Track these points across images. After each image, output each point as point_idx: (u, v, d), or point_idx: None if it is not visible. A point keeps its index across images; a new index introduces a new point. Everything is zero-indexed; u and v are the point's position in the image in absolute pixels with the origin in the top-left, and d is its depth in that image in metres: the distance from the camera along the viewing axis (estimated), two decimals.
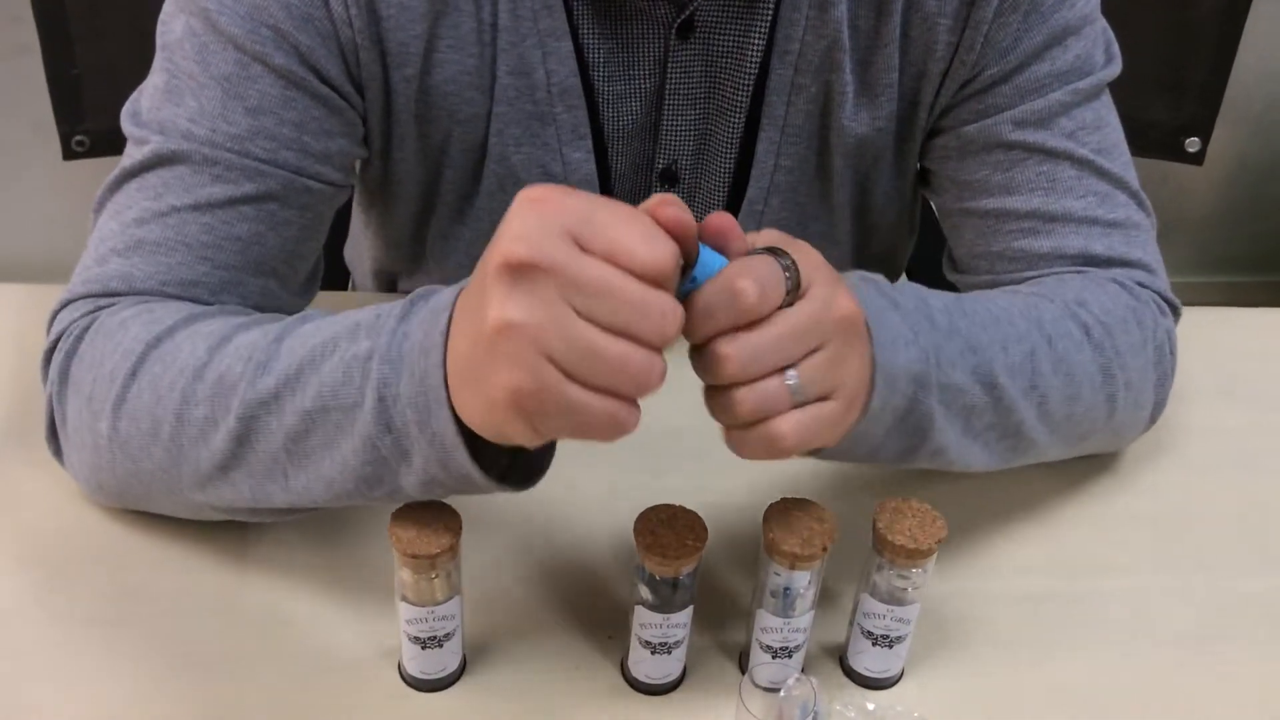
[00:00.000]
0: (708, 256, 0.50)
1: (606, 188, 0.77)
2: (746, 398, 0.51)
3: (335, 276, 1.02)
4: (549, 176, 0.76)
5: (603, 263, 0.46)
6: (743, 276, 0.49)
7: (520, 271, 0.46)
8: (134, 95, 0.69)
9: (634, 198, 0.79)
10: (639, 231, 0.46)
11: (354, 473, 0.55)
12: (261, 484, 0.59)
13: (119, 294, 0.65)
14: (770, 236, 0.54)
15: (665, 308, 0.46)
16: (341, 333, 0.56)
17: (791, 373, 0.51)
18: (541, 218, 0.46)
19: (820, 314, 0.52)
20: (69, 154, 1.15)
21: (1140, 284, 0.75)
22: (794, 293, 0.51)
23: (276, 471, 0.58)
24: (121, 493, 0.65)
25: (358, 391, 0.54)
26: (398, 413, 0.52)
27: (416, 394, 0.51)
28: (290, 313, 0.67)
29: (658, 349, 0.47)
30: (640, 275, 0.46)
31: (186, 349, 0.60)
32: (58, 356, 0.65)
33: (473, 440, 0.52)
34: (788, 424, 0.52)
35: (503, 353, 0.46)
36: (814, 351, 0.52)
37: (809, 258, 0.53)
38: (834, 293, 0.53)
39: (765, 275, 0.50)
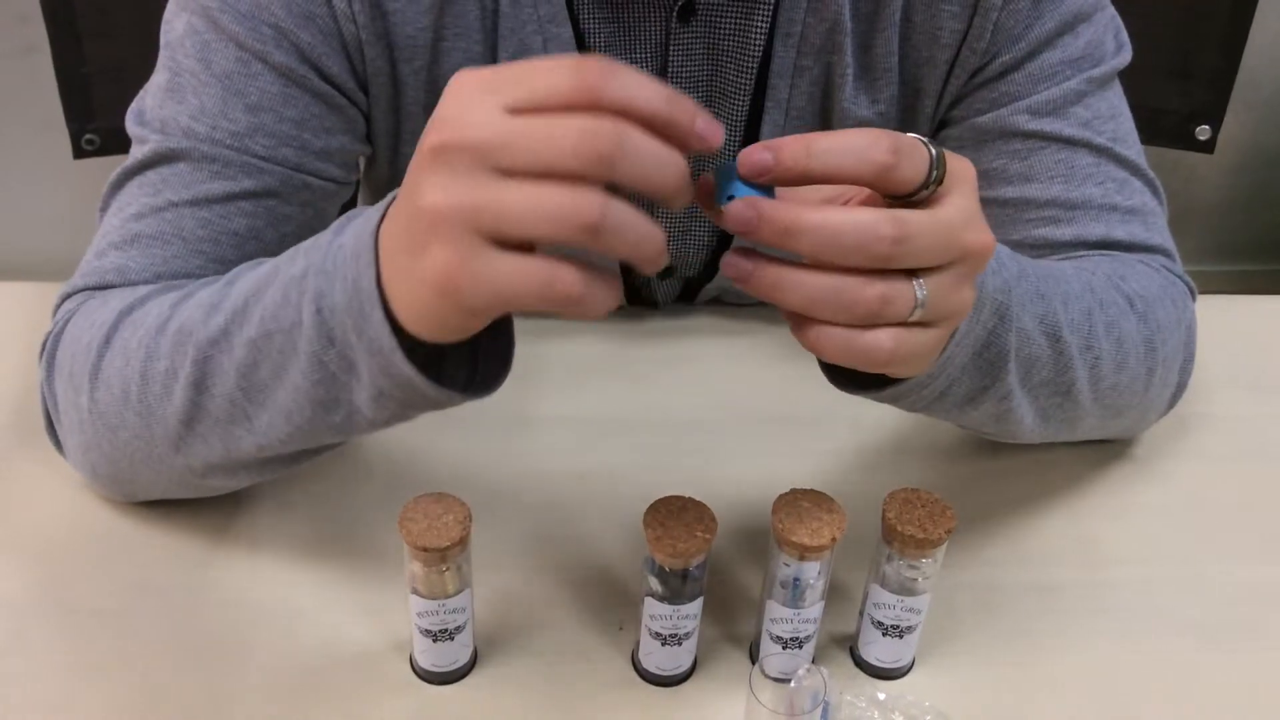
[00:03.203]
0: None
1: None
2: (871, 295, 0.46)
3: None
4: None
5: (511, 114, 0.43)
6: (884, 135, 0.45)
7: (440, 152, 0.44)
8: (139, 95, 0.70)
9: None
10: (549, 65, 0.44)
11: (308, 396, 0.54)
12: (228, 430, 0.58)
13: (114, 286, 0.65)
14: None
15: (585, 125, 0.42)
16: (283, 260, 0.55)
17: (921, 284, 0.47)
18: (467, 93, 0.45)
19: (965, 230, 0.48)
20: (79, 153, 1.15)
21: (1165, 268, 0.75)
22: (933, 186, 0.47)
23: (238, 414, 0.57)
24: (113, 473, 0.66)
25: (295, 310, 0.53)
26: (336, 323, 0.51)
27: (350, 299, 0.50)
28: None
29: (593, 180, 0.43)
30: (554, 106, 0.43)
31: (154, 311, 0.61)
32: (48, 344, 0.66)
33: (423, 352, 0.51)
34: (891, 338, 0.48)
35: (430, 235, 0.44)
36: (942, 268, 0.48)
37: (958, 164, 0.49)
38: (977, 211, 0.49)
39: (908, 144, 0.45)
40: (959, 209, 0.48)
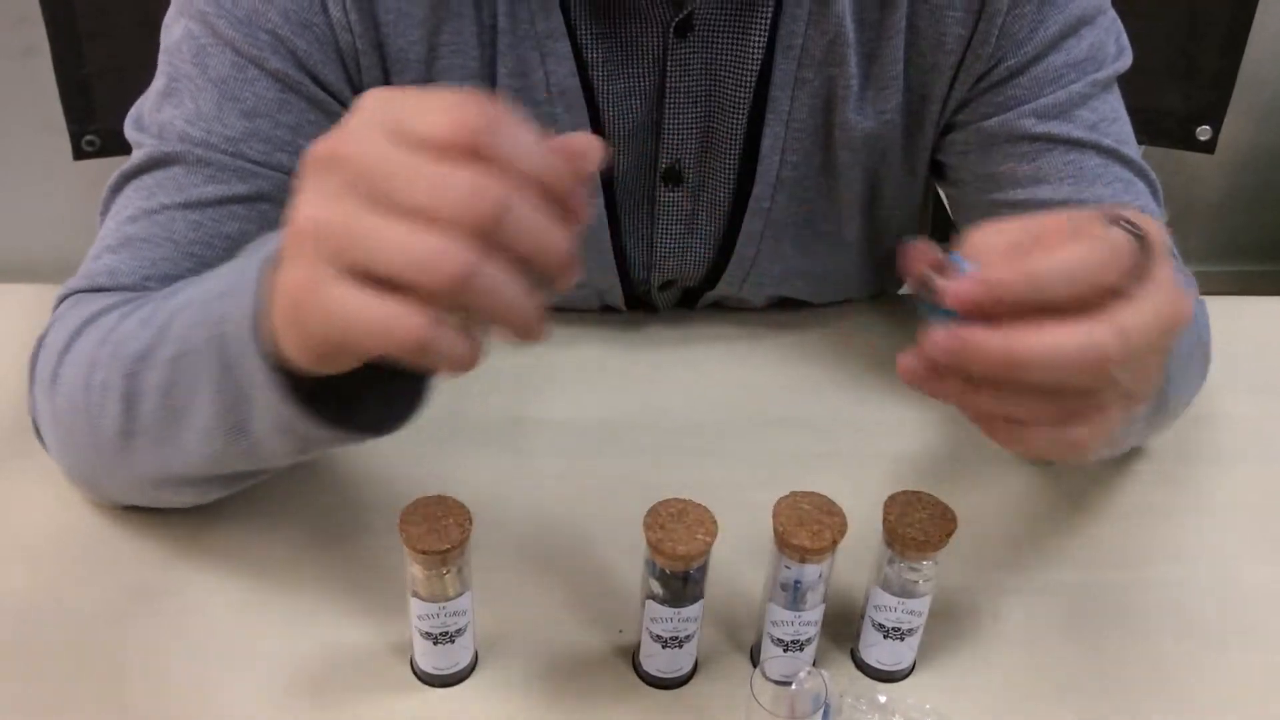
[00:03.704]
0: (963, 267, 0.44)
1: (609, 188, 0.77)
2: (1086, 405, 0.45)
3: None
4: None
5: (397, 143, 0.41)
6: (1110, 251, 0.43)
7: (322, 164, 0.43)
8: (138, 101, 0.70)
9: (638, 198, 0.79)
10: (439, 103, 0.42)
11: (218, 422, 0.54)
12: (160, 448, 0.58)
13: (105, 288, 0.66)
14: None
15: (475, 182, 0.40)
16: (213, 274, 0.55)
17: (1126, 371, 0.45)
18: (368, 112, 0.43)
19: (1176, 310, 0.45)
20: (79, 154, 1.15)
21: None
22: (1138, 269, 0.44)
23: (164, 433, 0.57)
24: (82, 476, 0.66)
25: (203, 331, 0.52)
26: (231, 350, 0.51)
27: (238, 326, 0.50)
28: None
29: (466, 234, 0.40)
30: (438, 146, 0.41)
31: (107, 321, 0.61)
32: (36, 346, 0.67)
33: (321, 387, 0.49)
34: (1093, 432, 0.46)
35: (292, 248, 0.43)
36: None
37: (1148, 226, 0.45)
38: (1173, 280, 0.46)
39: (1112, 248, 0.43)
40: (1167, 289, 0.45)
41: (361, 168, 0.41)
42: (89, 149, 1.15)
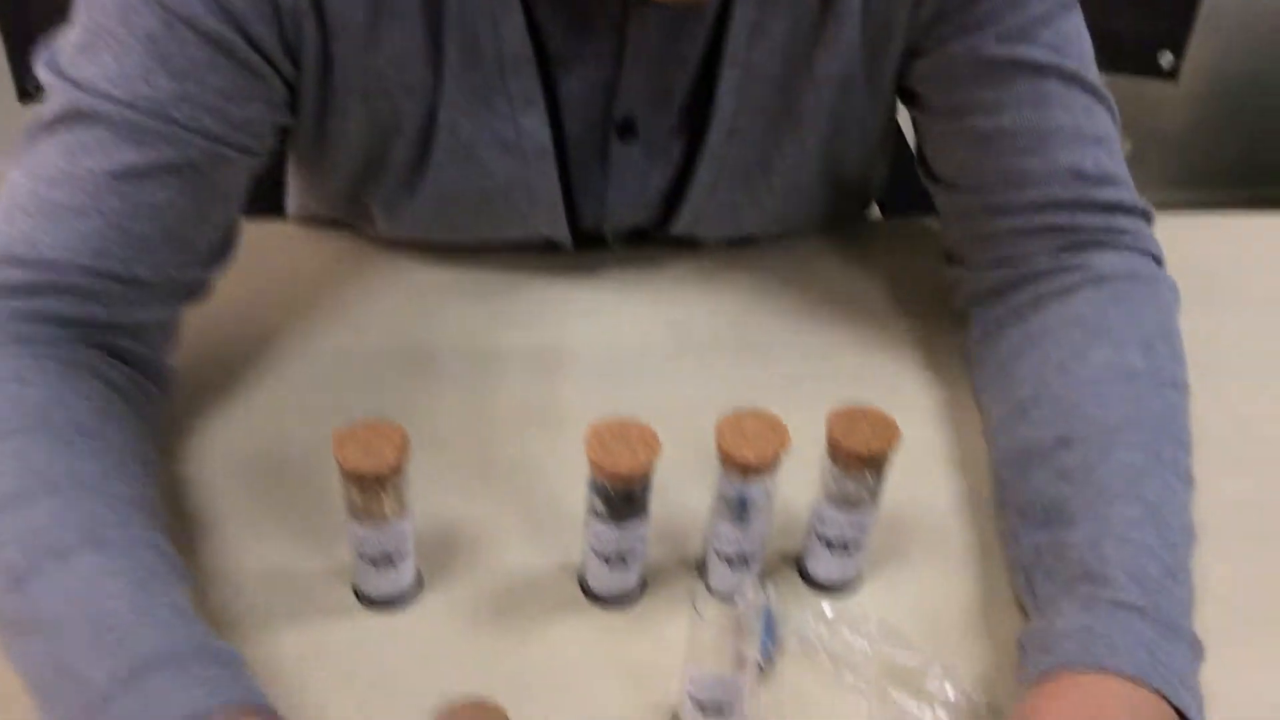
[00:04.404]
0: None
1: (561, 150, 0.76)
2: None
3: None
4: (502, 144, 0.74)
5: None
6: None
7: None
8: (51, 43, 0.65)
9: (591, 158, 0.78)
10: None
11: None
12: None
13: (23, 260, 0.61)
14: None
15: None
16: (68, 637, 0.52)
17: None
18: None
19: None
20: (23, 98, 1.13)
21: (1130, 247, 0.74)
22: None
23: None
24: None
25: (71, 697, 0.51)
26: None
27: None
28: (198, 285, 0.68)
29: None
30: None
31: (6, 475, 0.57)
32: None
33: None
34: None
35: None
36: None
37: None
38: None
39: None
40: None
41: None
42: (35, 93, 1.13)
